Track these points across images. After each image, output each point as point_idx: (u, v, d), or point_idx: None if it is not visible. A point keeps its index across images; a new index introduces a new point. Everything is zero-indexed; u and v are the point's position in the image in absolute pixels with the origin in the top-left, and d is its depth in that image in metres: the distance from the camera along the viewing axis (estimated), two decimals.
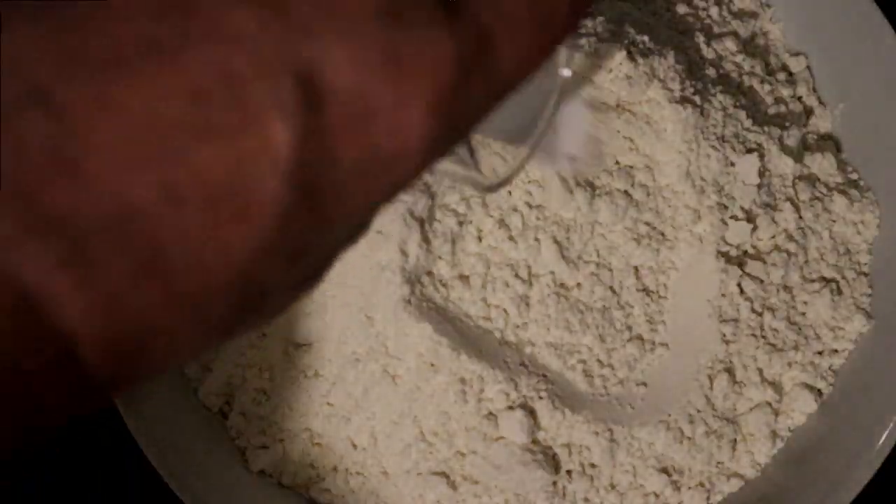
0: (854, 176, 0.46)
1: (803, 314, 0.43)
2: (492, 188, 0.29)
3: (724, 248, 0.43)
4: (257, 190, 0.17)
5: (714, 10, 0.47)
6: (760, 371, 0.43)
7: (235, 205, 0.17)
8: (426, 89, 0.19)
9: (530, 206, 0.42)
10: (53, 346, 0.16)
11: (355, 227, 0.20)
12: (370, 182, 0.19)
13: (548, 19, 0.21)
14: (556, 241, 0.42)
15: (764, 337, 0.43)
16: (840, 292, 0.44)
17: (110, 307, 0.16)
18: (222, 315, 0.18)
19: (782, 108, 0.46)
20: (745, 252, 0.43)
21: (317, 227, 0.19)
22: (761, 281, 0.43)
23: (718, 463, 0.42)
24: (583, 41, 0.41)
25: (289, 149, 0.17)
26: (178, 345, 0.18)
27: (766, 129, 0.44)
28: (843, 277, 0.44)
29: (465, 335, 0.42)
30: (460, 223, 0.42)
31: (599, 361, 0.42)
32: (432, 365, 0.41)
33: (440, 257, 0.42)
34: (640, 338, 0.43)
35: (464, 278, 0.42)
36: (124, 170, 0.16)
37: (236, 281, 0.18)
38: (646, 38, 0.43)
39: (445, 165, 0.26)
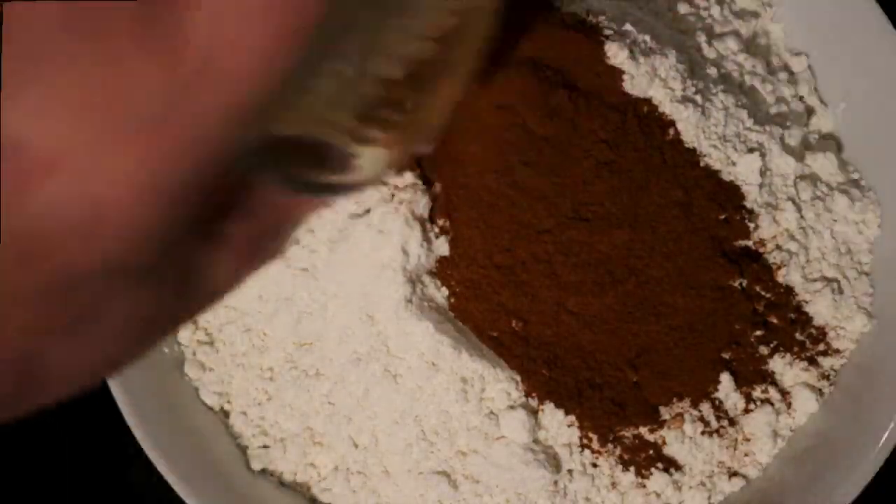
0: (855, 175, 0.46)
1: (805, 314, 0.43)
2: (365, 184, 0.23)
3: (726, 248, 0.43)
4: None
5: (715, 10, 0.47)
6: (762, 371, 0.43)
7: None
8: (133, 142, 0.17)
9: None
10: None
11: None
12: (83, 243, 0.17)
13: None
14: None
15: (765, 337, 0.43)
16: (841, 292, 0.44)
17: None
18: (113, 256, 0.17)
19: (784, 108, 0.46)
20: (747, 251, 0.43)
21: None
22: (763, 280, 0.43)
23: (720, 462, 0.42)
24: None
25: None
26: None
27: (767, 128, 0.44)
28: (845, 277, 0.44)
29: (466, 334, 0.42)
30: None
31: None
32: (433, 364, 0.41)
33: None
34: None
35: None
36: None
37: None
38: (647, 37, 0.43)
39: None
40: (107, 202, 0.17)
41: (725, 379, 0.42)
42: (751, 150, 0.44)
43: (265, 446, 0.44)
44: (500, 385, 0.41)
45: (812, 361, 0.43)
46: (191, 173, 0.18)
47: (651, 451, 0.42)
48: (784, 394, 0.43)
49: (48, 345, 0.19)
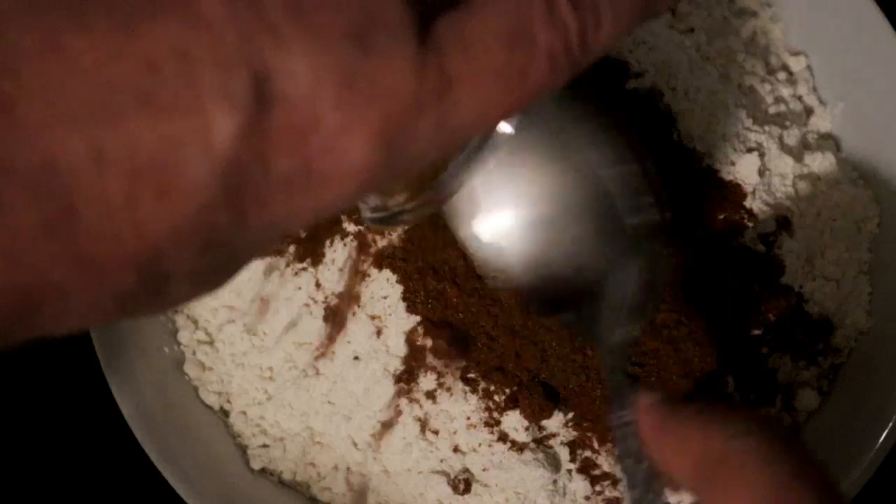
0: (854, 175, 0.46)
1: (804, 312, 0.43)
2: (374, 222, 0.27)
3: (726, 247, 0.43)
4: (185, 173, 0.17)
5: (716, 10, 0.47)
6: (762, 370, 0.43)
7: (160, 182, 0.17)
8: (374, 118, 0.18)
9: None
10: None
11: (269, 238, 0.20)
12: (297, 197, 0.19)
13: (519, 78, 0.20)
14: None
15: (765, 335, 0.43)
16: (840, 291, 0.44)
17: (11, 255, 0.16)
18: (125, 289, 0.18)
19: (782, 108, 0.46)
20: (746, 251, 0.43)
21: (233, 228, 0.18)
22: (762, 280, 0.43)
23: None
24: None
25: (226, 140, 0.17)
26: (74, 307, 0.17)
27: (766, 128, 0.44)
28: (844, 276, 0.44)
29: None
30: None
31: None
32: None
33: None
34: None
35: None
36: (57, 121, 0.16)
37: (145, 258, 0.17)
38: (647, 36, 0.43)
39: None
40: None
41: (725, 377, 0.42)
42: (750, 150, 0.44)
43: (265, 446, 0.44)
44: (499, 384, 0.41)
45: (812, 360, 0.43)
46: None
47: None
48: (784, 392, 0.43)
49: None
